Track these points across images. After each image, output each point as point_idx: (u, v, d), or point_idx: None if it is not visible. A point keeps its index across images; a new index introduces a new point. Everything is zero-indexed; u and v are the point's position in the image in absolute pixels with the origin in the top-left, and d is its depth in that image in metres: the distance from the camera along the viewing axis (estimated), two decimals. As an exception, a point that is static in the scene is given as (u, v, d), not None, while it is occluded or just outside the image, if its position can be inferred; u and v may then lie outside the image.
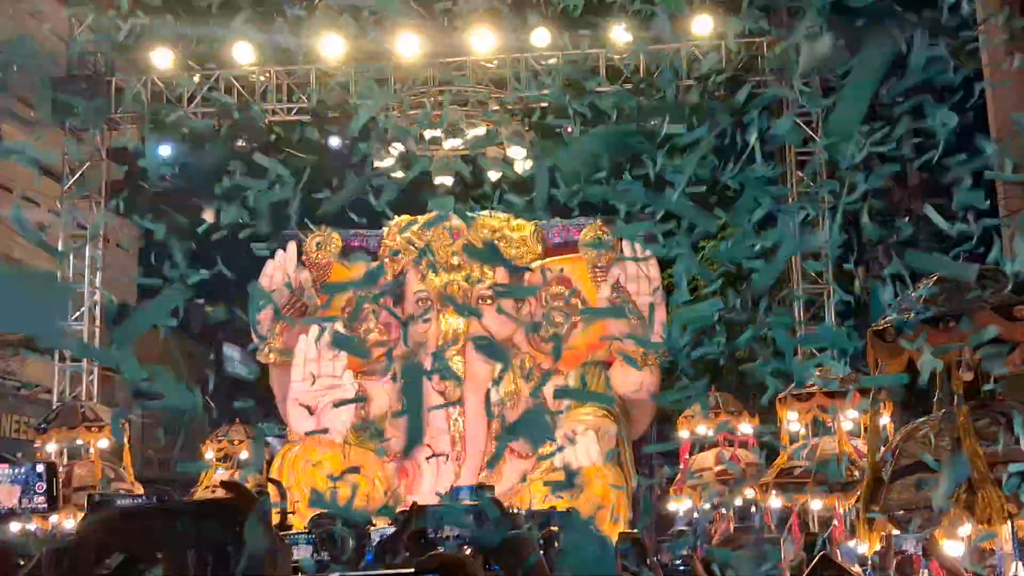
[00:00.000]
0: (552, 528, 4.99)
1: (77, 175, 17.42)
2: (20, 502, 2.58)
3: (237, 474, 15.78)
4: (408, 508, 3.24)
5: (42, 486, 2.59)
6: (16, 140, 22.47)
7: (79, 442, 14.07)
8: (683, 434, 14.24)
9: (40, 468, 2.54)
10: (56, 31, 18.61)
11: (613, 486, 12.39)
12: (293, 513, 11.06)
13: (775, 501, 12.22)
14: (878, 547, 7.02)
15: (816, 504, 12.00)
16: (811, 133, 16.02)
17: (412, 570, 1.65)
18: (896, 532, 6.33)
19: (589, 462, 12.87)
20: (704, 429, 14.08)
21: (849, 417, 11.60)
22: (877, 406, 8.05)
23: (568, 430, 13.23)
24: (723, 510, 13.19)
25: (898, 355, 6.68)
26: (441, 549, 3.53)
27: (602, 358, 14.35)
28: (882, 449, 7.14)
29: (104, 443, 13.79)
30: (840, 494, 11.16)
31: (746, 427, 14.32)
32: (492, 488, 6.32)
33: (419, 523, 3.27)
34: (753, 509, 13.49)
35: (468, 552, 3.06)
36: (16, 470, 2.55)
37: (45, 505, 2.56)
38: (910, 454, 6.58)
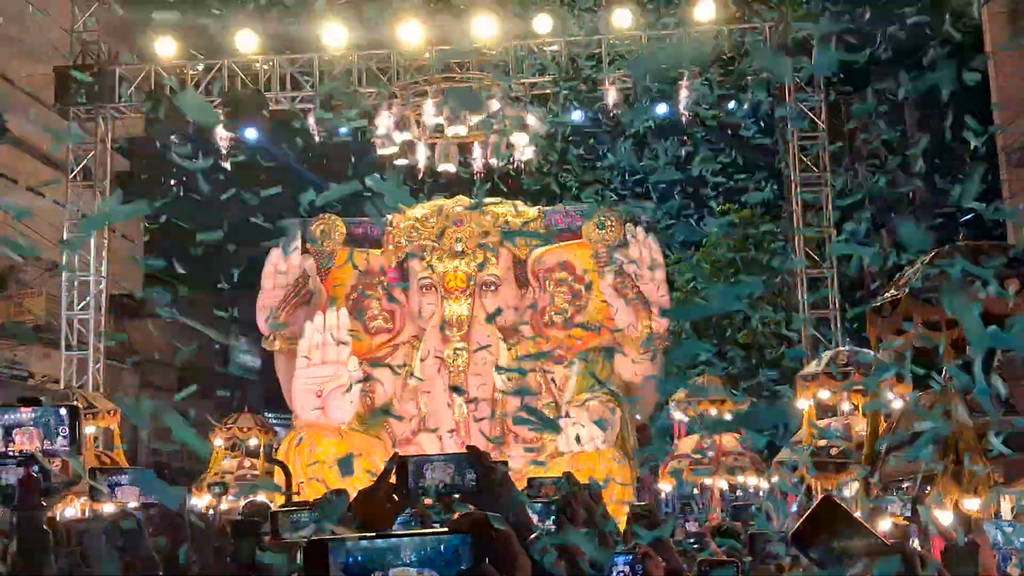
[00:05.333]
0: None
1: (81, 165, 17.49)
2: (42, 445, 2.65)
3: (245, 462, 15.88)
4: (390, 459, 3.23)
5: (64, 430, 2.65)
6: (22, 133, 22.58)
7: (72, 430, 13.97)
8: (677, 416, 14.33)
9: (63, 411, 2.61)
10: (59, 20, 18.66)
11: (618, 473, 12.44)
12: (298, 494, 11.18)
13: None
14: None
15: (855, 485, 11.86)
16: (813, 117, 16.04)
17: (445, 529, 1.67)
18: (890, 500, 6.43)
19: (593, 447, 12.91)
20: (680, 415, 14.16)
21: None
22: (876, 390, 8.08)
23: (573, 415, 13.29)
24: (705, 493, 13.30)
25: (901, 331, 6.75)
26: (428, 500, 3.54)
27: (606, 343, 14.38)
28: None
29: (92, 430, 13.72)
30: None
31: (728, 415, 14.35)
32: (505, 463, 6.30)
33: (399, 475, 3.23)
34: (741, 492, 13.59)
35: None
36: (38, 413, 2.60)
37: (68, 448, 2.63)
38: (906, 426, 6.66)
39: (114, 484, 2.90)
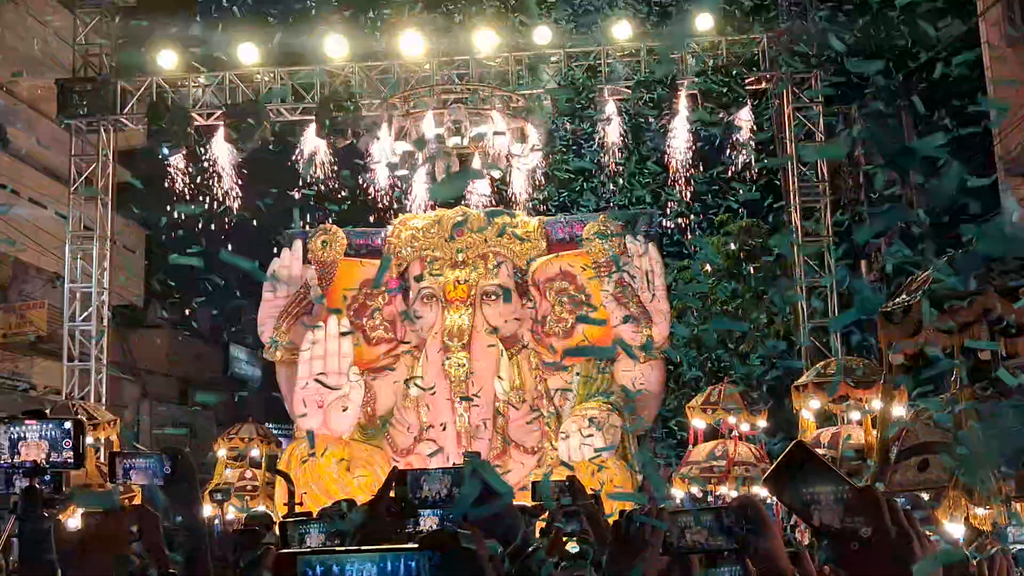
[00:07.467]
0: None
1: (83, 176, 17.55)
2: (48, 456, 2.76)
3: (247, 472, 15.89)
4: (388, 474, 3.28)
5: (69, 443, 2.76)
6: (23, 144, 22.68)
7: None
8: (696, 423, 14.32)
9: (67, 425, 2.72)
10: (61, 34, 18.76)
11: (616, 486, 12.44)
12: (300, 504, 11.19)
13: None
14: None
15: None
16: (811, 126, 16.09)
17: (416, 545, 1.68)
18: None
19: (594, 455, 12.91)
20: (699, 423, 14.16)
21: (875, 408, 11.53)
22: (891, 397, 8.08)
23: (573, 423, 13.32)
24: (710, 499, 13.28)
25: (915, 335, 6.72)
26: (427, 514, 3.57)
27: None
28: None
29: (90, 440, 13.71)
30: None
31: (744, 425, 14.37)
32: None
33: (399, 488, 3.27)
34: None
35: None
36: (44, 426, 2.72)
37: (73, 461, 2.75)
38: (915, 435, 6.65)
39: (129, 467, 3.01)
